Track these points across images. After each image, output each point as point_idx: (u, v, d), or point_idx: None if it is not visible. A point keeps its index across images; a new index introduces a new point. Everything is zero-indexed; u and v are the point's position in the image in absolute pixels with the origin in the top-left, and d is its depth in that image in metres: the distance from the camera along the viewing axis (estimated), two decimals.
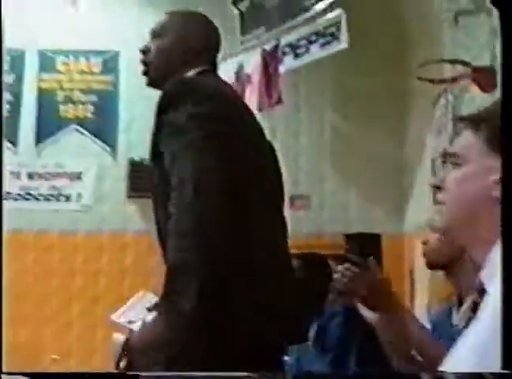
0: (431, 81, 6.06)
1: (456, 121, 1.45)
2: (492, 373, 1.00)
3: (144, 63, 2.55)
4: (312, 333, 3.03)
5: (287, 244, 2.29)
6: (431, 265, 2.42)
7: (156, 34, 2.48)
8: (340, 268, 2.07)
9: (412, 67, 7.21)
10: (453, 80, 5.82)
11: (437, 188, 1.28)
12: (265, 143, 2.43)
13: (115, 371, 1.74)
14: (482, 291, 1.19)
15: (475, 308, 1.98)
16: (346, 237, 9.07)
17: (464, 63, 5.67)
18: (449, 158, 1.26)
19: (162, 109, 2.15)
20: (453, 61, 5.86)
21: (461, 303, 2.26)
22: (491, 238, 1.11)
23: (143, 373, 1.59)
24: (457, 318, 2.22)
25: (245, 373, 1.72)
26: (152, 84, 2.54)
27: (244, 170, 2.03)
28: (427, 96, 7.58)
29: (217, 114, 2.01)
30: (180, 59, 2.34)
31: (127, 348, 1.84)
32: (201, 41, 2.40)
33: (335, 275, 2.06)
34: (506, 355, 1.00)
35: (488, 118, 1.22)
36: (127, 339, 1.87)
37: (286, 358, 4.44)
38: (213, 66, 2.43)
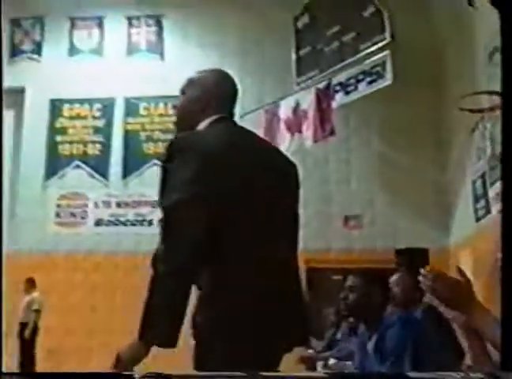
0: (471, 111, 5.89)
1: None
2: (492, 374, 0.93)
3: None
4: (372, 343, 2.91)
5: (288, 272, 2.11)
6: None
7: (181, 91, 2.35)
8: (422, 271, 1.95)
9: (451, 99, 7.05)
10: (491, 109, 5.65)
11: None
12: (265, 179, 2.12)
13: (115, 371, 1.69)
14: None
15: None
16: (396, 252, 8.88)
17: (500, 93, 5.49)
18: None
19: (161, 161, 2.22)
20: (490, 92, 5.69)
21: None
22: None
23: (138, 374, 1.53)
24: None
25: (238, 373, 1.62)
26: (182, 128, 2.31)
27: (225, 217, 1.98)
28: (465, 125, 7.38)
29: (200, 176, 1.98)
30: (196, 111, 2.25)
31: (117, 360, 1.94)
32: (216, 91, 2.30)
33: (420, 278, 1.94)
34: (505, 355, 0.92)
35: None
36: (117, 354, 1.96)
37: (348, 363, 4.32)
38: (230, 114, 2.35)
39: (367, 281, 2.97)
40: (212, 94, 2.28)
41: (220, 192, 1.97)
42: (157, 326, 2.02)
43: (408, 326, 2.81)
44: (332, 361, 5.02)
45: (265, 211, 2.07)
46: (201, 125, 2.21)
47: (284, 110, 8.82)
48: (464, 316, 1.88)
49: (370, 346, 2.96)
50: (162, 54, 10.50)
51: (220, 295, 1.99)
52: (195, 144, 2.07)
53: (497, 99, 5.66)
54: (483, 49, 6.33)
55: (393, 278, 3.84)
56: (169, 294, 1.98)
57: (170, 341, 1.96)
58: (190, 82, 2.33)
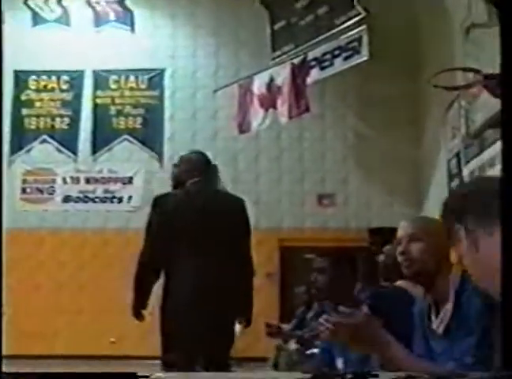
0: (446, 88, 5.89)
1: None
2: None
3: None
4: None
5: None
6: (413, 276, 2.09)
7: (176, 165, 4.29)
8: (320, 320, 1.95)
9: (427, 76, 7.05)
10: (466, 86, 5.66)
11: None
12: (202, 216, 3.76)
13: (115, 371, 1.68)
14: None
15: (454, 314, 1.90)
16: (369, 231, 8.94)
17: (476, 71, 5.49)
18: None
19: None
20: (466, 69, 5.69)
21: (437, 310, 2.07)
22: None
23: (140, 373, 1.52)
24: (436, 323, 2.06)
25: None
26: (175, 186, 4.20)
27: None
28: (440, 103, 7.41)
29: (156, 215, 3.81)
30: (185, 175, 3.94)
31: None
32: (195, 166, 3.92)
33: (320, 327, 1.96)
34: (506, 355, 0.96)
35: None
36: None
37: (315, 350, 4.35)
38: (203, 178, 3.89)
39: (335, 262, 2.97)
40: (196, 167, 3.88)
41: (170, 229, 3.73)
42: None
43: (378, 304, 2.82)
44: (293, 346, 5.04)
45: (201, 238, 3.66)
46: (188, 183, 3.87)
47: (258, 86, 8.78)
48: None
49: None
50: (132, 26, 10.31)
51: (171, 288, 3.64)
52: (161, 202, 3.86)
53: (472, 77, 5.67)
54: (459, 26, 6.33)
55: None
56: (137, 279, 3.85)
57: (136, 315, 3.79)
58: (182, 160, 4.06)
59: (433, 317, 2.05)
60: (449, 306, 1.98)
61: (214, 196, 3.96)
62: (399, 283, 3.35)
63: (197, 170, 3.86)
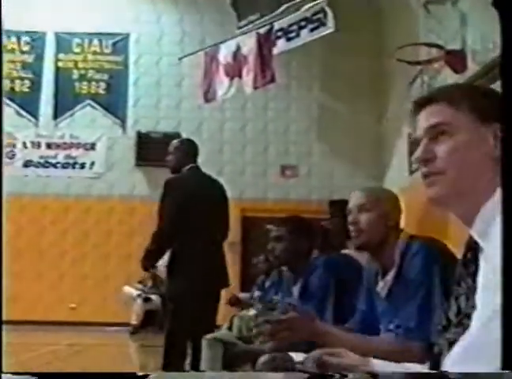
0: (409, 63, 6.01)
1: (425, 100, 1.30)
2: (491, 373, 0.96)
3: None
4: (297, 288, 3.03)
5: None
6: (367, 244, 2.14)
7: (171, 150, 4.46)
8: (258, 320, 2.00)
9: (391, 50, 7.15)
10: (428, 61, 5.78)
11: (426, 161, 1.19)
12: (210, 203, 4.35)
13: (115, 371, 1.72)
14: (475, 247, 1.17)
15: (397, 278, 1.98)
16: (330, 203, 9.06)
17: (438, 46, 5.61)
18: (434, 129, 1.19)
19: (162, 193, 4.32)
20: (428, 44, 5.80)
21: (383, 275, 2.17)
22: (480, 199, 1.11)
23: (141, 373, 1.57)
24: (380, 286, 2.15)
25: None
26: (173, 172, 4.42)
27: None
28: (404, 77, 7.53)
29: (173, 198, 4.20)
30: (181, 161, 4.36)
31: None
32: (188, 152, 4.43)
33: (254, 331, 2.02)
34: (506, 355, 0.96)
35: (467, 96, 1.19)
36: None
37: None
38: (196, 165, 4.43)
39: (291, 230, 3.06)
40: (191, 153, 4.44)
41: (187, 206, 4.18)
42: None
43: (332, 269, 2.92)
44: (251, 312, 5.18)
45: (209, 215, 4.25)
46: (184, 169, 4.34)
47: (225, 54, 8.75)
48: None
49: (295, 290, 3.07)
50: None
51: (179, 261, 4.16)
52: (180, 183, 4.30)
53: (436, 52, 5.78)
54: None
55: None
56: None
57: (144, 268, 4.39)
58: (176, 147, 4.43)
59: (380, 282, 2.15)
60: (392, 273, 2.09)
61: (209, 181, 4.51)
62: (345, 251, 3.47)
63: (190, 156, 4.37)
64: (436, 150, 1.19)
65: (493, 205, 1.11)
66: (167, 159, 4.43)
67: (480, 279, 1.10)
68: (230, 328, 3.90)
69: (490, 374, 0.97)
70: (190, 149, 4.43)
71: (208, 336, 3.71)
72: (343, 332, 2.07)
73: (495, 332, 0.98)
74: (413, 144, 1.26)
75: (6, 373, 1.45)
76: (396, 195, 2.31)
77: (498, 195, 1.10)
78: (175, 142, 4.53)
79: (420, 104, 1.24)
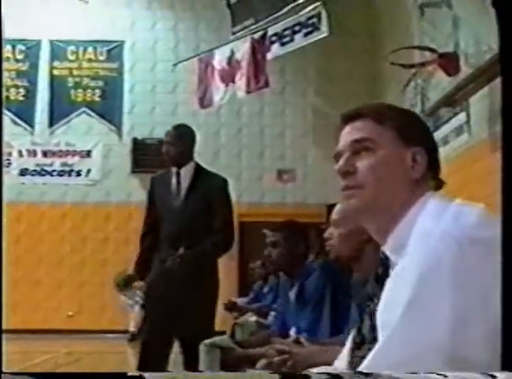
0: (402, 66, 6.04)
1: (353, 114, 1.33)
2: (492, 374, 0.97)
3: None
4: (294, 291, 3.04)
5: None
6: (338, 259, 2.19)
7: (170, 142, 3.87)
8: (270, 350, 2.09)
9: (385, 53, 7.18)
10: (422, 64, 5.80)
11: (346, 173, 1.21)
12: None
13: (115, 371, 1.73)
14: (386, 263, 1.20)
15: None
16: (328, 207, 9.09)
17: (432, 49, 5.64)
18: (358, 144, 1.22)
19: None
20: (421, 48, 5.83)
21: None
22: (397, 213, 1.15)
23: (146, 374, 1.57)
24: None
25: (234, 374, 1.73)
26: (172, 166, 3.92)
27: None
28: (398, 80, 7.56)
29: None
30: (175, 160, 3.82)
31: None
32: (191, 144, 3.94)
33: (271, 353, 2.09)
34: (506, 355, 0.96)
35: (391, 115, 1.23)
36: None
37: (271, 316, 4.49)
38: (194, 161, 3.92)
39: (288, 234, 3.07)
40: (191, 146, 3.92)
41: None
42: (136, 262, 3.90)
43: (328, 273, 2.93)
44: (253, 318, 5.18)
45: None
46: (181, 170, 3.81)
47: (219, 60, 8.76)
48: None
49: (292, 294, 3.08)
50: None
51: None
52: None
53: (429, 55, 5.81)
54: (411, 2, 6.45)
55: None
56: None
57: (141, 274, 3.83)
58: (177, 137, 3.82)
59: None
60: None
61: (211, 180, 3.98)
62: None
63: (188, 151, 3.84)
64: (358, 164, 1.21)
65: (405, 225, 1.14)
66: (166, 151, 3.85)
67: (384, 295, 1.11)
68: (232, 336, 3.90)
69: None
70: (192, 140, 3.91)
71: (206, 342, 3.70)
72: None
73: (393, 353, 1.00)
74: (335, 157, 1.28)
75: (6, 373, 1.45)
76: None
77: (411, 216, 1.14)
78: (174, 132, 3.91)
79: (347, 118, 1.26)
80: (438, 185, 1.21)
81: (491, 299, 0.98)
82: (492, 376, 0.95)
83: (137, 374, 1.31)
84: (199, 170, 3.89)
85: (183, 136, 3.87)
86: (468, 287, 0.99)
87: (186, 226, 3.69)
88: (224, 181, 3.94)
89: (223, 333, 4.41)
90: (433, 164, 1.20)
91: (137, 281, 3.97)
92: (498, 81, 4.63)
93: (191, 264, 3.61)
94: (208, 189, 3.79)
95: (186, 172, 3.81)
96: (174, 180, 3.81)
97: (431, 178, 1.19)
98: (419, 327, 1.00)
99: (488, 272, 1.00)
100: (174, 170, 3.81)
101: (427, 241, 1.05)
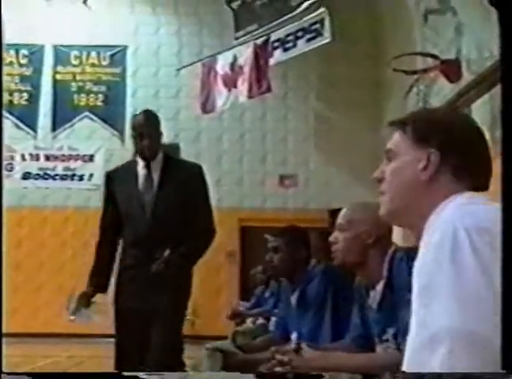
0: (405, 72, 6.05)
1: (388, 125, 1.40)
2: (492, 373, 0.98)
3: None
4: (295, 296, 3.04)
5: None
6: (343, 263, 2.20)
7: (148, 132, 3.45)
8: (277, 356, 2.10)
9: (388, 59, 7.20)
10: (424, 71, 5.82)
11: (378, 181, 1.30)
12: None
13: (115, 371, 1.73)
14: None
15: (384, 291, 2.02)
16: (330, 212, 9.09)
17: (434, 56, 5.65)
18: (386, 154, 1.31)
19: None
20: (424, 54, 5.85)
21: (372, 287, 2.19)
22: (425, 214, 1.18)
23: (142, 374, 1.58)
24: (371, 298, 2.18)
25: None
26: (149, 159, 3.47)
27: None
28: (400, 86, 7.57)
29: None
30: (152, 151, 3.35)
31: None
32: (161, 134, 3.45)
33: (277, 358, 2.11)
34: (506, 355, 0.97)
35: (411, 120, 1.29)
36: None
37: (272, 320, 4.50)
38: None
39: (289, 240, 3.08)
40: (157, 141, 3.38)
41: None
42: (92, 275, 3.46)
43: (329, 278, 2.94)
44: (260, 321, 5.21)
45: None
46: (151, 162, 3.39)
47: (222, 65, 8.80)
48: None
49: (293, 299, 3.09)
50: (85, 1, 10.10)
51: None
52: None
53: (431, 62, 5.82)
54: (415, 8, 6.47)
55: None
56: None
57: (100, 287, 3.44)
58: (151, 124, 3.36)
59: (371, 294, 2.17)
60: (381, 285, 2.10)
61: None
62: None
63: (160, 140, 3.38)
64: (386, 172, 1.31)
65: (429, 225, 1.18)
66: (142, 142, 3.31)
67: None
68: (234, 341, 3.91)
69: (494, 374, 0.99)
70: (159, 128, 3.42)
71: (208, 346, 3.71)
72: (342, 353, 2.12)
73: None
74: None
75: (6, 373, 1.46)
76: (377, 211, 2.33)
77: (436, 214, 1.18)
78: (140, 117, 3.39)
79: (393, 126, 1.35)
80: (478, 185, 1.22)
81: (497, 280, 1.01)
82: None
83: (134, 374, 1.32)
84: (169, 159, 3.41)
85: (157, 123, 3.42)
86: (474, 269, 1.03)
87: (161, 222, 3.24)
88: (199, 168, 3.45)
89: (225, 338, 4.44)
90: (457, 165, 1.22)
91: (94, 295, 3.47)
92: (499, 88, 4.63)
93: (177, 267, 3.18)
94: (183, 178, 3.33)
95: (157, 164, 3.35)
96: (142, 173, 3.35)
97: (459, 178, 1.21)
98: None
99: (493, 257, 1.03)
100: (142, 163, 3.36)
101: (438, 229, 1.11)
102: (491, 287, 1.01)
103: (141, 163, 3.37)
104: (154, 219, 3.27)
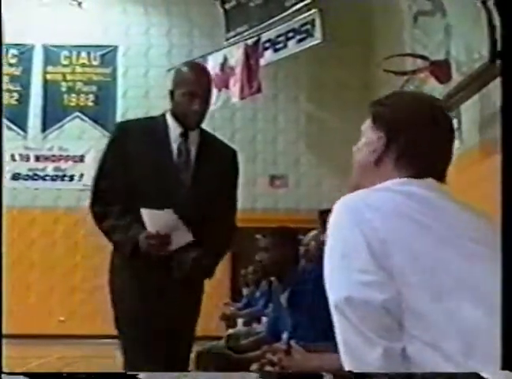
0: (395, 73, 6.06)
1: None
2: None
3: None
4: (285, 296, 3.05)
5: None
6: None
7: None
8: (268, 355, 2.15)
9: (378, 61, 7.23)
10: (414, 72, 5.83)
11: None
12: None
13: (115, 371, 1.73)
14: None
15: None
16: (320, 213, 9.10)
17: (424, 57, 5.67)
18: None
19: None
20: (414, 55, 5.87)
21: None
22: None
23: (142, 373, 1.58)
24: None
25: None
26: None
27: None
28: (390, 87, 7.59)
29: None
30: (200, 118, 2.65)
31: None
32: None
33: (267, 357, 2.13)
34: (506, 355, 0.97)
35: (373, 104, 1.38)
36: None
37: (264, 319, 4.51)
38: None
39: (279, 240, 3.09)
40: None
41: None
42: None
43: (319, 277, 2.95)
44: (243, 328, 5.21)
45: None
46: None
47: (212, 66, 8.79)
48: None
49: (283, 299, 3.09)
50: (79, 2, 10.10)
51: None
52: None
53: (421, 63, 5.84)
54: (407, 10, 6.49)
55: (310, 234, 4.03)
56: None
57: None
58: (206, 85, 2.60)
59: None
60: None
61: None
62: None
63: (208, 109, 2.61)
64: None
65: None
66: (192, 104, 2.51)
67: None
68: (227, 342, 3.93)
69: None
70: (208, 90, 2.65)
71: (200, 348, 3.71)
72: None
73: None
74: None
75: (6, 373, 1.46)
76: None
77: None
78: (193, 72, 2.59)
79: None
80: (423, 173, 1.26)
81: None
82: None
83: (133, 374, 1.33)
84: (205, 133, 2.64)
85: (210, 82, 2.65)
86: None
87: (196, 210, 2.45)
88: (235, 152, 2.70)
89: (219, 338, 4.46)
90: (401, 152, 1.27)
91: None
92: (488, 89, 4.67)
93: (204, 270, 2.58)
94: (218, 160, 2.58)
95: (195, 135, 2.58)
96: (178, 142, 2.54)
97: (402, 165, 1.27)
98: None
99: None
100: (179, 129, 2.55)
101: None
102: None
103: (176, 129, 2.56)
104: (189, 207, 2.44)
